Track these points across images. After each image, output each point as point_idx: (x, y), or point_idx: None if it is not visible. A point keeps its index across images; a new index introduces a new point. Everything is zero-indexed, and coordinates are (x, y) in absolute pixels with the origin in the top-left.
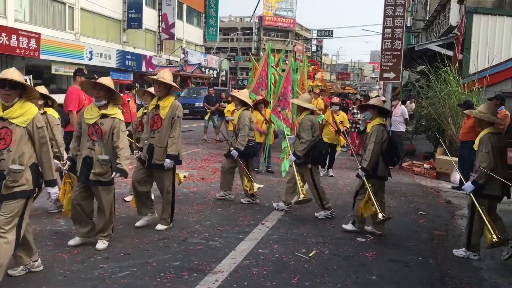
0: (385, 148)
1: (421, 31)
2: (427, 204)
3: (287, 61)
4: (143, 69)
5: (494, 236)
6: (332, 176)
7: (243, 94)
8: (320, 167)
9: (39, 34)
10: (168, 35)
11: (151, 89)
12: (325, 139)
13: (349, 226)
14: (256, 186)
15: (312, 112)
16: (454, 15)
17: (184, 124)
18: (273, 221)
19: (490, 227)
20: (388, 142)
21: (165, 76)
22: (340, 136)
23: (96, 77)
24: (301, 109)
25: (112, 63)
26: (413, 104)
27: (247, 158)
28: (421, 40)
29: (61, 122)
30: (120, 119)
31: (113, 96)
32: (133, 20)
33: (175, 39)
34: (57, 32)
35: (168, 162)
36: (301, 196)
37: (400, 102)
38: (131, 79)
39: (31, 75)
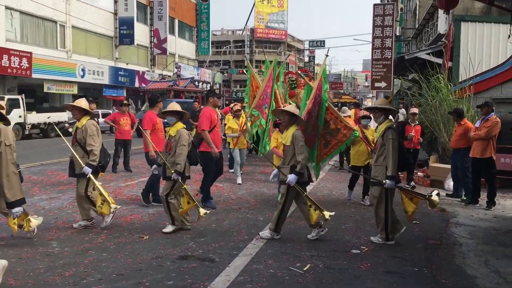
0: (189, 150)
1: (411, 40)
2: (421, 213)
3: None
4: (136, 84)
5: (326, 214)
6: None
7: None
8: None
9: (30, 53)
10: (161, 50)
11: None
12: (354, 161)
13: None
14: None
15: (92, 117)
16: (442, 24)
17: None
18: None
19: (318, 207)
20: (192, 144)
21: None
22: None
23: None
24: (81, 114)
25: (105, 79)
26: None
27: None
28: (411, 48)
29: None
30: None
31: None
32: (125, 36)
33: (168, 54)
34: (49, 50)
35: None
36: (112, 206)
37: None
38: (124, 95)
39: (23, 95)
